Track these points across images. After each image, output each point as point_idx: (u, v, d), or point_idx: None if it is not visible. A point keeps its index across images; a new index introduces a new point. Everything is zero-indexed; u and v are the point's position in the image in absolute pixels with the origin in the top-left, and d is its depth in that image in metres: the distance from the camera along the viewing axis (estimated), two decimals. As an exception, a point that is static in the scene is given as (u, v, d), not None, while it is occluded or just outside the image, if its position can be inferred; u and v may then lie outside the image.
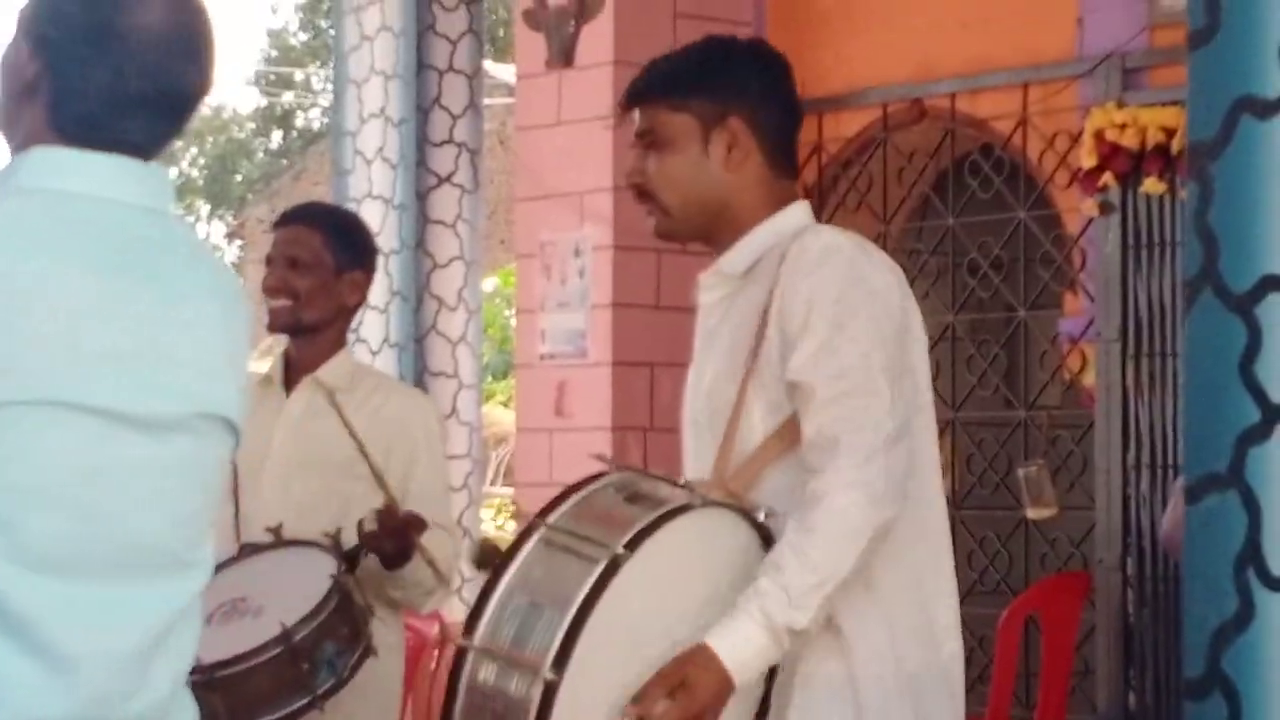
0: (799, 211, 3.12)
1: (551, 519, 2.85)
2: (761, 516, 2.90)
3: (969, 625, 7.35)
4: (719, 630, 2.81)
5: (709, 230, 3.14)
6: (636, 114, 3.12)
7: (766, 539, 2.92)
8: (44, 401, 2.08)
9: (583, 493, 2.92)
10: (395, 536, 3.95)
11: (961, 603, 7.38)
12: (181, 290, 2.24)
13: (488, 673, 2.78)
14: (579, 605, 2.71)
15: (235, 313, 2.32)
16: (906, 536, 2.96)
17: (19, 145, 2.24)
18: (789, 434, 2.93)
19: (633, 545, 2.75)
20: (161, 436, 2.19)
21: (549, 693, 2.68)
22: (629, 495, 2.90)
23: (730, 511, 2.91)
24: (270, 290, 4.26)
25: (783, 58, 3.18)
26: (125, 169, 2.23)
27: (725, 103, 3.07)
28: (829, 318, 2.90)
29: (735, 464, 2.98)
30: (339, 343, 4.31)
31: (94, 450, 2.14)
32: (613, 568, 2.73)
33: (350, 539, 3.97)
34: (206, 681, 3.66)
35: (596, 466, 3.04)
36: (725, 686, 2.80)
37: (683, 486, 2.91)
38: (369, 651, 3.86)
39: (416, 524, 3.97)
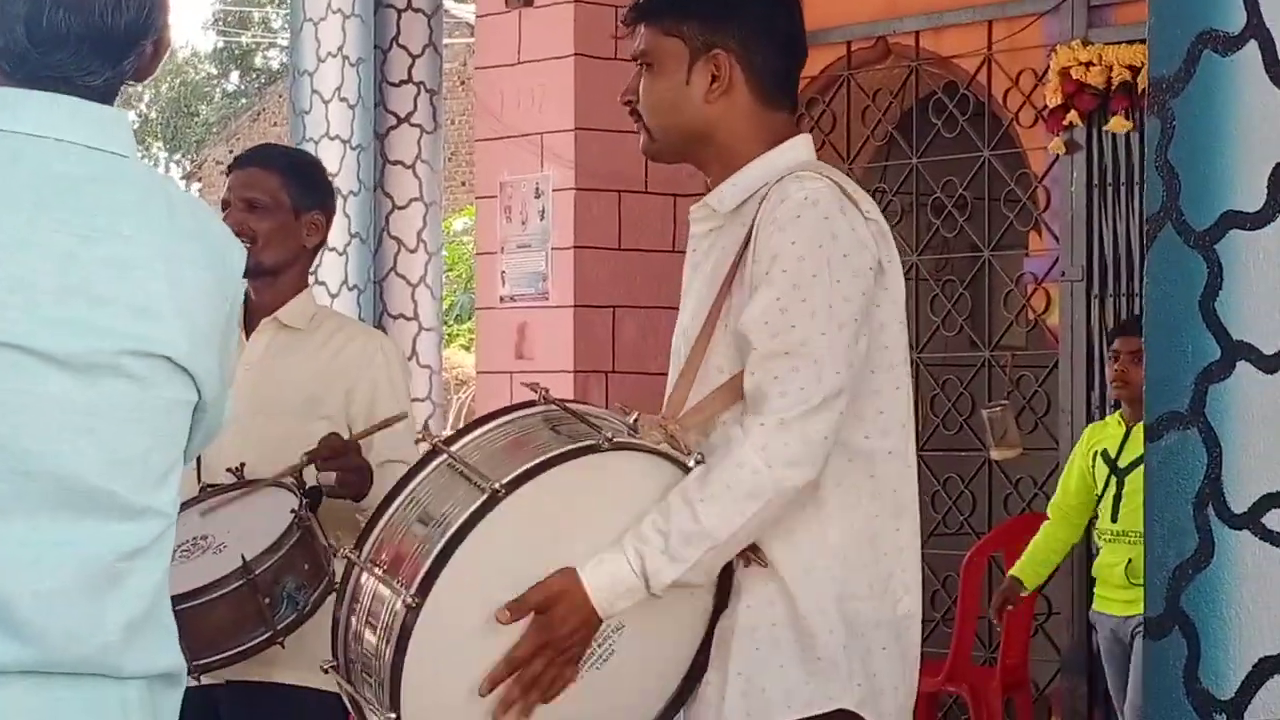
0: (797, 147, 3.06)
1: (455, 446, 2.88)
2: (692, 463, 2.87)
3: (932, 566, 7.40)
4: (594, 561, 2.80)
5: (692, 156, 3.11)
6: (641, 30, 3.10)
7: None
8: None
9: (495, 423, 2.94)
10: (337, 457, 3.92)
11: (925, 544, 7.40)
12: (116, 230, 2.20)
13: (369, 586, 2.85)
14: (449, 535, 2.74)
15: (191, 258, 2.27)
16: (862, 492, 2.94)
17: None
18: (738, 384, 2.90)
19: (515, 484, 2.75)
20: (85, 375, 2.16)
21: (411, 614, 2.72)
22: (546, 430, 2.90)
23: (650, 455, 2.87)
24: None
25: None
26: (61, 106, 2.21)
27: (715, 32, 3.04)
28: (788, 275, 2.85)
29: (688, 406, 2.95)
30: (299, 285, 4.28)
31: (24, 385, 2.11)
32: (489, 503, 2.74)
33: (312, 477, 3.95)
34: None
35: None
36: (587, 616, 2.79)
37: (603, 424, 2.87)
38: (331, 588, 3.83)
39: (356, 448, 3.96)
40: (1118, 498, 6.11)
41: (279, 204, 4.20)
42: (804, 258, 2.86)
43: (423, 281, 7.73)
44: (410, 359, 7.43)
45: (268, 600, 3.72)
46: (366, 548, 2.88)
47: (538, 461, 2.79)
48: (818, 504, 2.91)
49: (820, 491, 2.90)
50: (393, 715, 2.77)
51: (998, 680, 6.73)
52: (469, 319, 17.71)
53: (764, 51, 3.06)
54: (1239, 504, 2.82)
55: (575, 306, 7.54)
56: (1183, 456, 2.87)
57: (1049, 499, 7.28)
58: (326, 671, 2.98)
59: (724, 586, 2.94)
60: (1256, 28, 2.82)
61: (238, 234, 4.19)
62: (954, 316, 7.76)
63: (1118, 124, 6.87)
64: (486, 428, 2.93)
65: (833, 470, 2.90)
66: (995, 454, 7.35)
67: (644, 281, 7.45)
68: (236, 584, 3.69)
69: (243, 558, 3.69)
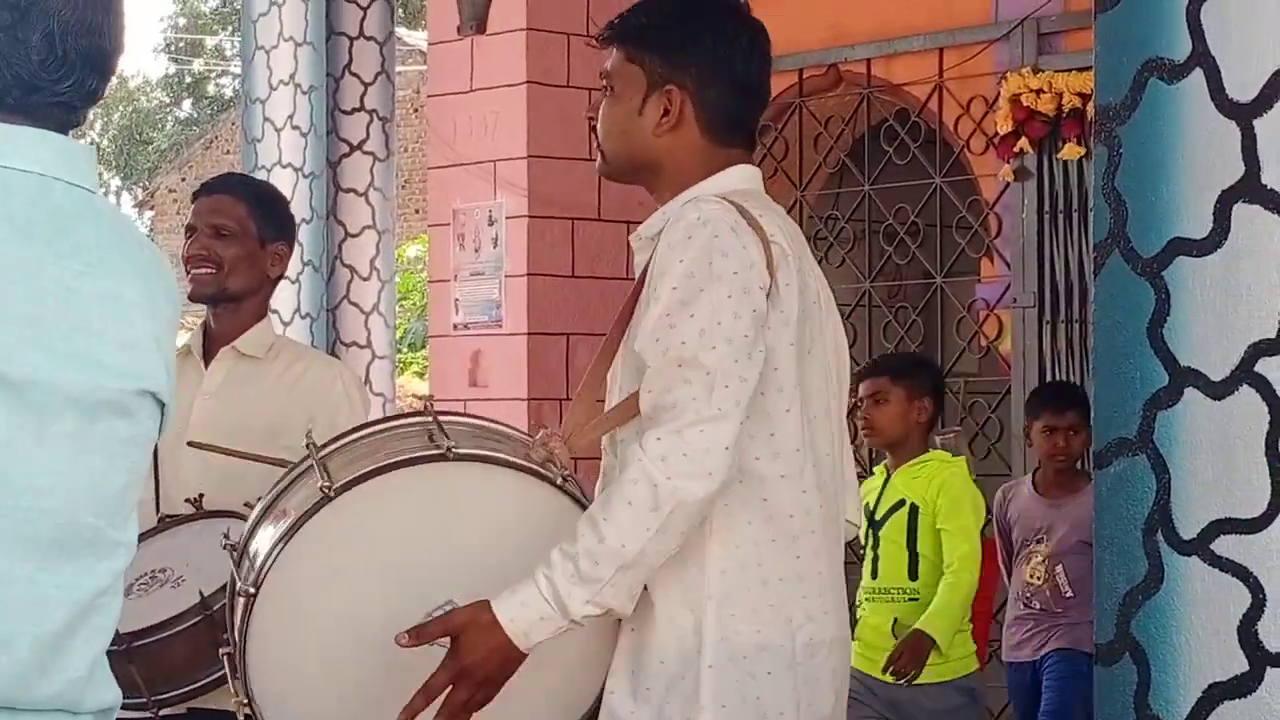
0: (729, 175, 3.08)
1: (325, 450, 2.99)
2: (559, 480, 2.91)
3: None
4: (506, 594, 2.81)
5: (641, 181, 3.15)
6: (611, 51, 3.14)
7: (578, 501, 2.94)
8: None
9: (370, 430, 3.05)
10: None
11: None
12: (104, 265, 2.20)
13: (241, 577, 3.01)
14: (282, 531, 2.88)
15: (161, 293, 2.28)
16: (750, 514, 2.93)
17: None
18: (635, 403, 2.91)
19: (349, 485, 2.85)
20: (91, 412, 2.15)
21: (247, 603, 2.87)
22: (416, 438, 2.96)
23: (508, 469, 2.92)
24: (194, 259, 4.22)
25: (756, 30, 3.13)
26: (48, 143, 2.20)
27: (673, 67, 3.07)
28: (676, 292, 2.87)
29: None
30: (260, 314, 4.27)
31: (12, 421, 2.09)
32: (321, 502, 2.84)
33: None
34: (124, 652, 3.64)
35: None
36: (503, 647, 2.80)
37: (468, 437, 2.94)
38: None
39: None
40: (876, 553, 5.64)
41: (246, 232, 4.20)
42: (692, 275, 2.87)
43: (376, 309, 7.70)
44: (364, 386, 7.41)
45: (226, 636, 3.72)
46: (241, 544, 3.05)
47: (376, 466, 2.87)
48: (701, 525, 2.90)
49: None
50: (244, 699, 2.91)
51: (952, 705, 6.70)
52: (423, 347, 17.68)
53: (718, 90, 3.08)
54: (1188, 530, 2.83)
55: (529, 334, 7.54)
56: (1131, 483, 2.88)
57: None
58: (222, 658, 3.13)
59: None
60: (1202, 55, 2.83)
61: (204, 259, 4.19)
62: (907, 343, 7.78)
63: (1070, 151, 6.91)
64: (363, 433, 3.06)
65: (722, 492, 2.89)
66: (949, 480, 7.35)
67: (598, 309, 7.45)
68: (194, 620, 3.68)
69: (200, 594, 3.67)
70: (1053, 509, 6.14)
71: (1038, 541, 6.16)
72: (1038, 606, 6.14)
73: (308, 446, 2.99)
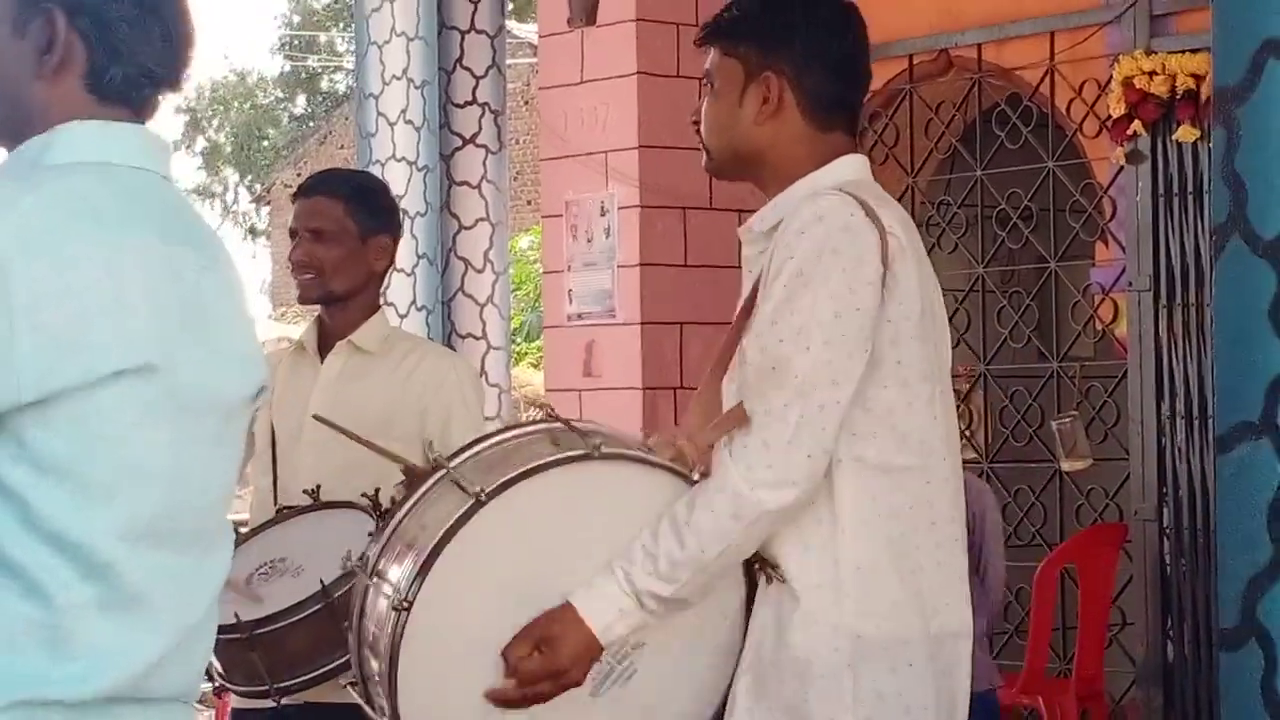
0: (842, 166, 3.06)
1: (455, 461, 2.94)
2: (696, 476, 2.89)
3: (1005, 578, 7.33)
4: (585, 589, 2.84)
5: (748, 175, 3.14)
6: (710, 51, 3.15)
7: None
8: (132, 371, 2.06)
9: (498, 438, 3.01)
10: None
11: (996, 556, 7.29)
12: (216, 257, 2.23)
13: (373, 598, 2.93)
14: (435, 542, 2.80)
15: (238, 273, 2.32)
16: (880, 508, 2.92)
17: (22, 126, 2.20)
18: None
19: (499, 490, 2.81)
20: (228, 409, 2.19)
21: (400, 618, 2.78)
22: (545, 443, 2.94)
23: (648, 467, 2.90)
24: (297, 264, 4.26)
25: (851, 12, 3.13)
26: (147, 139, 2.22)
27: (769, 55, 3.06)
28: (785, 290, 2.86)
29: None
30: (372, 307, 4.30)
31: (173, 421, 2.12)
32: (473, 509, 2.80)
33: (389, 499, 3.98)
34: (247, 640, 3.70)
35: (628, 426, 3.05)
36: (588, 644, 2.83)
37: (602, 438, 2.90)
38: (410, 609, 3.86)
39: None
40: None
41: (345, 231, 4.23)
42: (801, 273, 2.86)
43: (490, 301, 7.74)
44: (480, 378, 7.45)
45: (346, 624, 3.76)
46: (370, 561, 2.96)
47: (525, 469, 2.84)
48: (833, 519, 2.90)
49: (835, 507, 2.90)
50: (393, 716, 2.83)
51: (1072, 692, 6.69)
52: (537, 337, 17.74)
53: (817, 75, 3.07)
54: (1312, 514, 2.81)
55: (642, 324, 7.56)
56: (1255, 467, 2.87)
57: (1121, 510, 7.25)
58: (345, 687, 3.04)
59: (750, 601, 2.96)
60: (1321, 36, 2.81)
61: (306, 265, 4.23)
62: (1021, 328, 7.73)
63: (1185, 133, 6.84)
64: (488, 443, 3.01)
65: (848, 486, 2.89)
66: (1065, 465, 7.32)
67: (710, 298, 7.45)
68: (315, 607, 3.72)
69: (321, 582, 3.71)
70: None
71: None
72: None
73: (434, 462, 2.96)
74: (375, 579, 2.92)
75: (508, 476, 2.83)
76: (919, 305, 2.94)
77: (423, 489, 2.95)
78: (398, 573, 2.86)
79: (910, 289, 2.94)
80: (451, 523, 2.80)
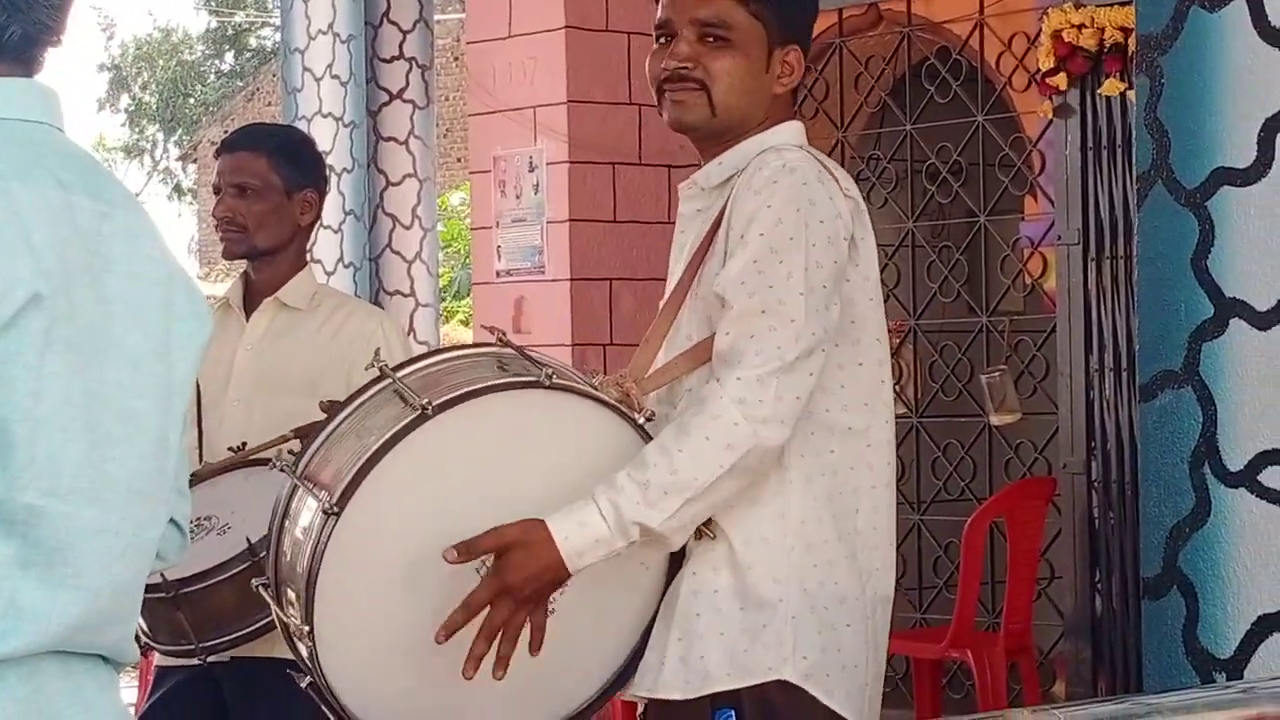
0: (788, 130, 3.06)
1: (401, 373, 2.89)
2: (641, 419, 2.87)
3: (933, 532, 7.38)
4: (562, 512, 2.79)
5: (726, 136, 3.07)
6: None
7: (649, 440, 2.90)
8: (33, 306, 2.03)
9: (446, 355, 2.97)
10: None
11: (925, 511, 7.41)
12: (113, 201, 2.20)
13: (300, 499, 2.87)
14: (374, 448, 2.74)
15: (150, 219, 2.28)
16: (824, 465, 2.92)
17: None
18: (706, 349, 2.90)
19: (446, 406, 2.76)
20: (134, 358, 2.16)
21: (329, 522, 2.72)
22: (493, 366, 2.90)
23: (596, 403, 2.87)
24: (221, 220, 4.22)
25: None
26: (36, 91, 2.20)
27: (795, 27, 3.06)
28: (765, 238, 2.86)
29: (652, 371, 2.97)
30: (298, 263, 4.27)
31: (94, 373, 2.09)
32: (418, 420, 2.74)
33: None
34: (172, 598, 3.68)
35: None
36: (553, 566, 2.77)
37: (554, 369, 2.86)
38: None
39: None
40: None
41: (270, 186, 4.19)
42: (781, 221, 2.86)
43: (419, 258, 7.71)
44: (408, 335, 7.41)
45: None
46: (302, 465, 2.90)
47: (473, 389, 2.79)
48: (780, 472, 2.90)
49: (784, 459, 2.89)
50: (307, 628, 2.77)
51: (1001, 645, 6.72)
52: (466, 295, 17.69)
53: (808, 50, 3.10)
54: (1235, 462, 2.82)
55: (572, 280, 7.53)
56: (1177, 415, 2.87)
57: (1050, 463, 7.28)
58: (257, 589, 2.98)
59: (676, 558, 2.94)
60: (1244, -17, 2.81)
61: (230, 221, 4.19)
62: (951, 282, 7.75)
63: (1111, 86, 6.85)
64: (436, 359, 2.97)
65: (797, 440, 2.89)
66: (995, 419, 7.34)
67: (640, 253, 7.43)
68: (241, 566, 3.70)
69: (247, 539, 3.69)
70: None
71: None
72: None
73: (379, 369, 2.89)
74: (306, 481, 2.86)
75: (456, 394, 2.78)
76: (874, 268, 2.96)
77: (365, 396, 2.90)
78: (330, 475, 2.80)
79: (868, 250, 2.97)
80: (393, 432, 2.75)
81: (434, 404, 2.74)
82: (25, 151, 2.12)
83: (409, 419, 2.75)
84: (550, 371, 2.82)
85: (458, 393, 2.79)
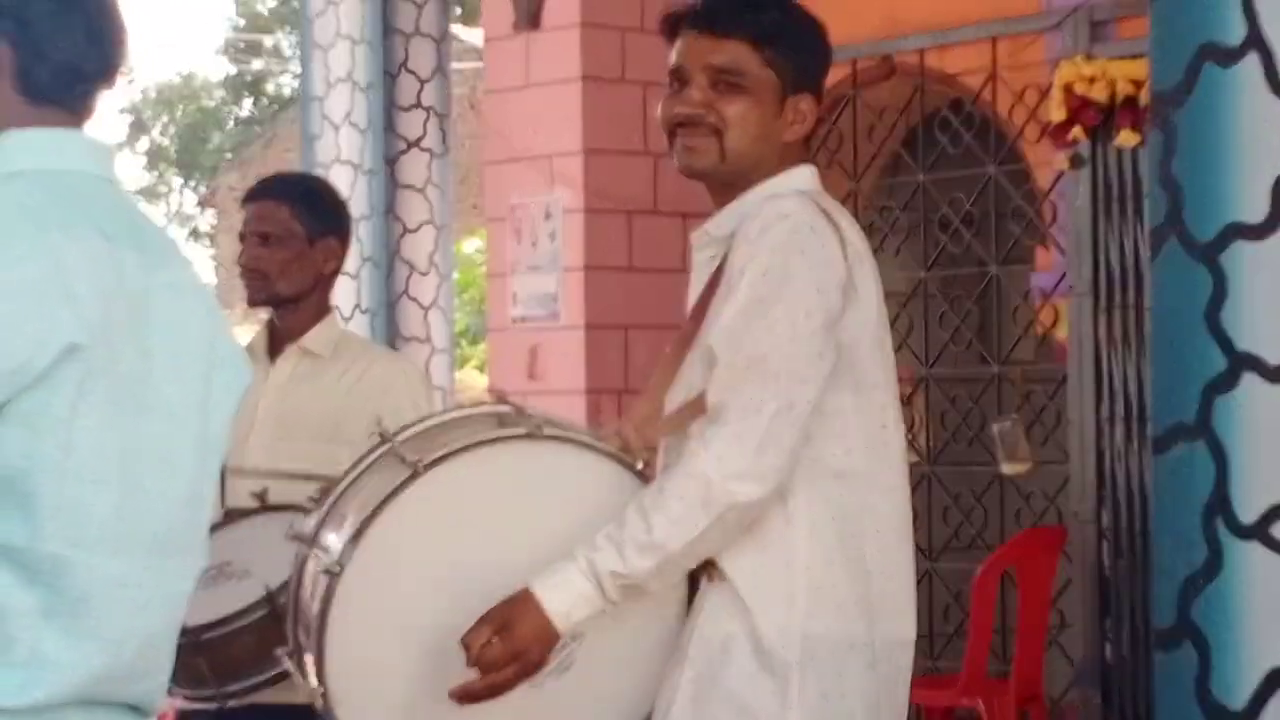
0: (799, 175, 3.08)
1: (400, 436, 2.98)
2: (639, 465, 2.93)
3: (945, 580, 7.38)
4: (544, 575, 2.83)
5: (735, 182, 3.08)
6: (698, 40, 3.05)
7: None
8: (73, 356, 2.05)
9: (443, 416, 3.07)
10: None
11: (937, 559, 7.41)
12: (161, 256, 2.22)
13: (310, 566, 2.98)
14: (371, 509, 2.84)
15: (194, 272, 2.31)
16: (832, 511, 2.94)
17: None
18: (703, 402, 2.92)
19: (437, 462, 2.85)
20: (173, 411, 2.18)
21: (332, 581, 2.83)
22: (489, 422, 2.99)
23: (592, 452, 2.93)
24: (244, 268, 4.27)
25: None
26: (86, 142, 2.22)
27: (807, 77, 3.07)
28: (753, 289, 2.88)
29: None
30: (322, 310, 4.31)
31: (130, 425, 2.11)
32: (410, 478, 2.83)
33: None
34: (193, 644, 3.69)
35: None
36: (546, 631, 2.83)
37: (549, 422, 2.93)
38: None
39: None
40: None
41: (292, 234, 4.23)
42: (768, 271, 2.88)
43: (435, 304, 7.75)
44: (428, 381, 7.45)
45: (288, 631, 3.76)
46: (309, 531, 3.00)
47: (466, 444, 2.88)
48: (787, 519, 2.92)
49: (789, 506, 2.91)
50: (319, 688, 2.87)
51: (1012, 693, 6.72)
52: (481, 340, 17.71)
53: (819, 99, 3.11)
54: (1247, 514, 2.84)
55: (587, 327, 7.56)
56: (1190, 468, 2.89)
57: (1060, 512, 7.29)
58: (279, 656, 3.08)
59: (690, 602, 2.97)
60: (1256, 40, 2.84)
61: (253, 269, 4.23)
62: (963, 332, 7.77)
63: (1125, 138, 6.88)
64: (433, 420, 3.07)
65: (804, 487, 2.91)
66: (1006, 468, 7.35)
67: (655, 302, 7.46)
68: (260, 612, 3.72)
69: (266, 586, 3.71)
70: None
71: None
72: None
73: (380, 435, 2.99)
74: (314, 548, 2.95)
75: (448, 450, 2.86)
76: (875, 313, 2.97)
77: (366, 461, 3.00)
78: (333, 539, 2.89)
79: (868, 295, 2.97)
80: (389, 491, 2.83)
81: (425, 462, 2.83)
82: (69, 203, 2.14)
83: (402, 478, 2.84)
84: (541, 423, 2.88)
85: (449, 449, 2.87)
